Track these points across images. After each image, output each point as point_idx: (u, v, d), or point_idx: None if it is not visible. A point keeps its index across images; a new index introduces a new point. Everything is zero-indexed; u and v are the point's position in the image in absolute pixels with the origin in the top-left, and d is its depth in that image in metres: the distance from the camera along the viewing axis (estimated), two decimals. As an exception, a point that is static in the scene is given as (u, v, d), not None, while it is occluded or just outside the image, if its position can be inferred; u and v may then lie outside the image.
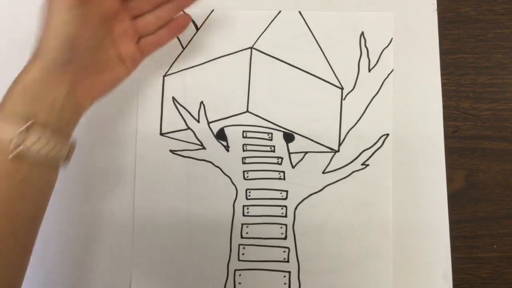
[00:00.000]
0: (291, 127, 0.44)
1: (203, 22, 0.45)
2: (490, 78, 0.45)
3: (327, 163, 0.44)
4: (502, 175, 0.44)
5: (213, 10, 0.45)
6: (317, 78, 0.44)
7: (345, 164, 0.44)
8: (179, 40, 0.45)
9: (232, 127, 0.44)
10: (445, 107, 0.44)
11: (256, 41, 0.44)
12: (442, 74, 0.45)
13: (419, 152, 0.44)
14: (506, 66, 0.45)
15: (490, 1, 0.46)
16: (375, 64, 0.44)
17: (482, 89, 0.45)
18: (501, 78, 0.45)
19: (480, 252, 0.44)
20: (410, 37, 0.45)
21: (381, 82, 0.44)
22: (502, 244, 0.44)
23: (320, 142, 0.44)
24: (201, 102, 0.44)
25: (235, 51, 0.44)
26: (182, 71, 0.44)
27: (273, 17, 0.45)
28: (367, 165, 0.43)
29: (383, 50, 0.44)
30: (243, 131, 0.44)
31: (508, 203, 0.44)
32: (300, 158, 0.44)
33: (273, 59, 0.44)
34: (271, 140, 0.44)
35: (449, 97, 0.45)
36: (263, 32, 0.45)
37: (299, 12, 0.45)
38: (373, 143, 0.44)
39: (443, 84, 0.45)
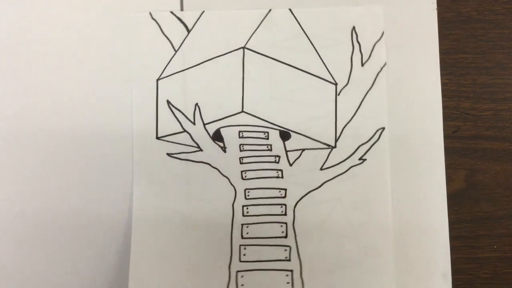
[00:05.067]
0: (287, 125, 0.44)
1: (194, 24, 0.45)
2: (490, 78, 0.45)
3: (324, 160, 0.44)
4: (502, 175, 0.44)
5: (203, 12, 0.45)
6: (311, 75, 0.44)
7: (342, 159, 0.43)
8: (170, 43, 0.45)
9: (228, 127, 0.44)
10: (445, 107, 0.44)
11: (248, 40, 0.44)
12: (442, 74, 0.45)
13: (419, 152, 0.44)
14: (507, 66, 0.45)
15: (491, 1, 0.46)
16: (368, 58, 0.44)
17: (483, 89, 0.45)
18: (502, 79, 0.45)
19: (480, 252, 0.44)
20: (410, 36, 0.45)
21: (375, 76, 0.44)
22: (502, 244, 0.44)
23: (317, 139, 0.44)
24: (196, 104, 0.44)
25: (227, 51, 0.44)
26: (176, 74, 0.44)
27: (264, 16, 0.45)
28: (365, 159, 0.43)
29: (375, 44, 0.44)
30: (239, 131, 0.44)
31: (508, 203, 0.44)
32: (297, 156, 0.44)
33: (265, 57, 0.44)
34: (267, 139, 0.44)
35: (449, 97, 0.45)
36: (254, 31, 0.45)
37: (289, 9, 0.45)
38: (370, 137, 0.44)
39: (443, 84, 0.44)
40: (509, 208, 0.44)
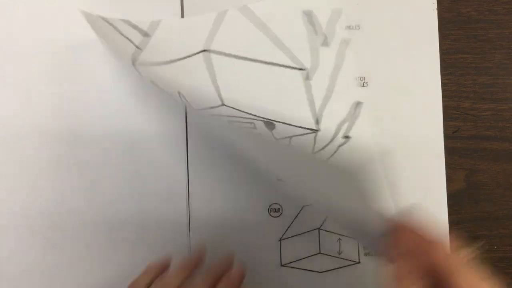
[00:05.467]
0: (268, 116, 0.43)
1: (153, 32, 0.43)
2: (490, 78, 0.45)
3: (312, 144, 0.43)
4: (502, 176, 0.44)
5: (161, 20, 0.43)
6: (278, 66, 0.44)
7: (328, 141, 0.43)
8: (133, 43, 0.42)
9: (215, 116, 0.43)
10: (445, 107, 0.44)
11: (210, 42, 0.43)
12: (442, 74, 0.45)
13: (419, 152, 0.44)
14: (507, 66, 0.45)
15: (491, 1, 0.46)
16: (330, 38, 0.44)
17: (483, 89, 0.45)
18: (502, 79, 0.45)
19: (480, 253, 0.44)
20: (409, 36, 0.45)
21: (341, 53, 0.44)
22: (502, 244, 0.44)
23: (299, 125, 0.43)
24: (179, 92, 0.42)
25: (191, 54, 0.43)
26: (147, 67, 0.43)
27: (222, 16, 0.44)
28: (349, 137, 0.43)
29: (334, 23, 0.44)
30: (228, 121, 0.43)
31: (508, 203, 0.44)
32: (287, 144, 0.43)
33: (231, 57, 0.43)
34: (255, 129, 0.43)
35: (449, 97, 0.45)
36: (215, 33, 0.44)
37: (245, 5, 0.44)
38: (348, 113, 0.43)
39: (443, 84, 0.45)
40: (509, 208, 0.44)
